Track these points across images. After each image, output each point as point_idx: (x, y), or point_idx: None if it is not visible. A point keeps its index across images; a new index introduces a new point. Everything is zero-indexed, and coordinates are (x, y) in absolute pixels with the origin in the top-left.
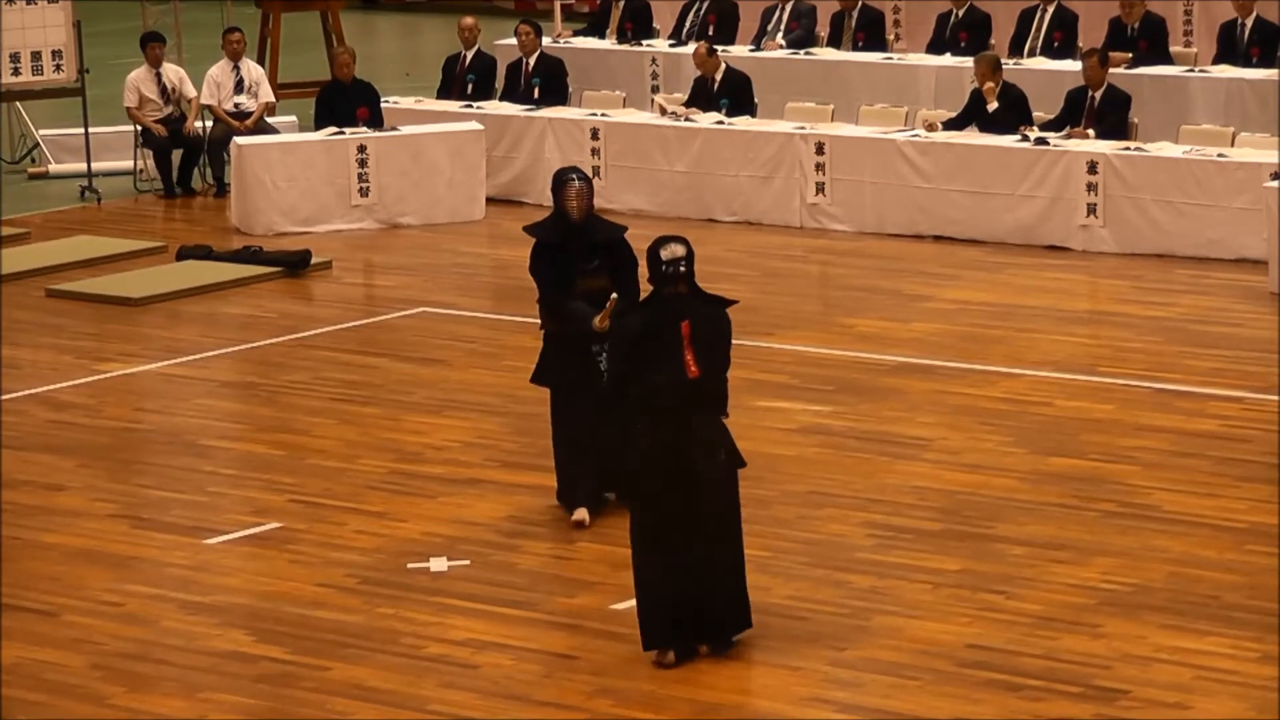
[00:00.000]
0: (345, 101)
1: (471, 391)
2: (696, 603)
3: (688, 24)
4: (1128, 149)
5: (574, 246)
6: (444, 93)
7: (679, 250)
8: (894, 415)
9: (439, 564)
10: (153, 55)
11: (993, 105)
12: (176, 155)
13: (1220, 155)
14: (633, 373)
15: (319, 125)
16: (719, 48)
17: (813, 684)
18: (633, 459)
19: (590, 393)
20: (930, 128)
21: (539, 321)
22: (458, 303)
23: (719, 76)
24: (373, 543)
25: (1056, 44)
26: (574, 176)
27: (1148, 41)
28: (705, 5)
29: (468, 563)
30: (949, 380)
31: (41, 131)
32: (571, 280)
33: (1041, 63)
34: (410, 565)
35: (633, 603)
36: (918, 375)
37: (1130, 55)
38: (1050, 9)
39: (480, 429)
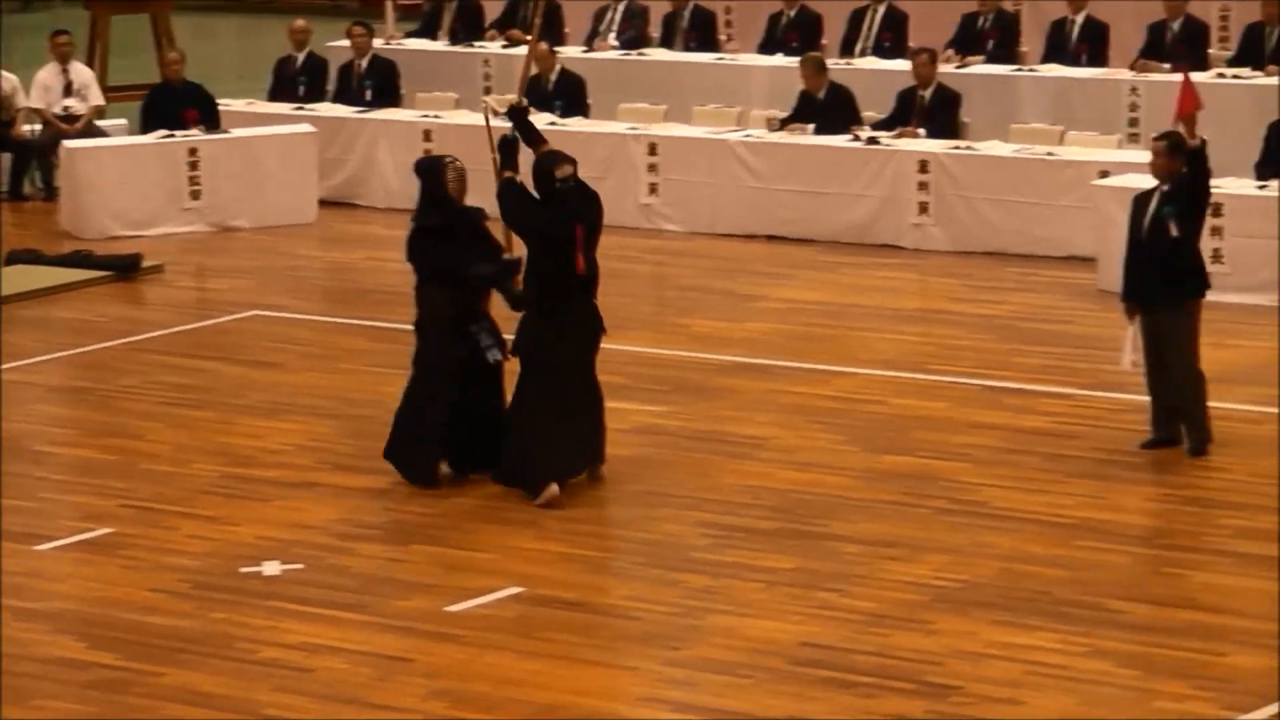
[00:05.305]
0: (175, 103)
1: (305, 394)
2: (583, 447)
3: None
4: (958, 148)
5: (460, 229)
6: (275, 95)
7: (569, 169)
8: (728, 415)
9: (272, 568)
10: None
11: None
12: (6, 159)
13: (1049, 154)
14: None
15: (146, 127)
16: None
17: (648, 684)
18: (529, 338)
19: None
20: (772, 126)
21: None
22: (290, 305)
23: (553, 77)
24: (206, 547)
25: (887, 44)
26: (450, 159)
27: (999, 35)
28: (532, 4)
29: (302, 566)
30: (783, 379)
31: None
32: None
33: (872, 62)
34: (243, 569)
35: (469, 604)
36: (752, 375)
37: (982, 57)
38: (880, 9)
39: (314, 432)
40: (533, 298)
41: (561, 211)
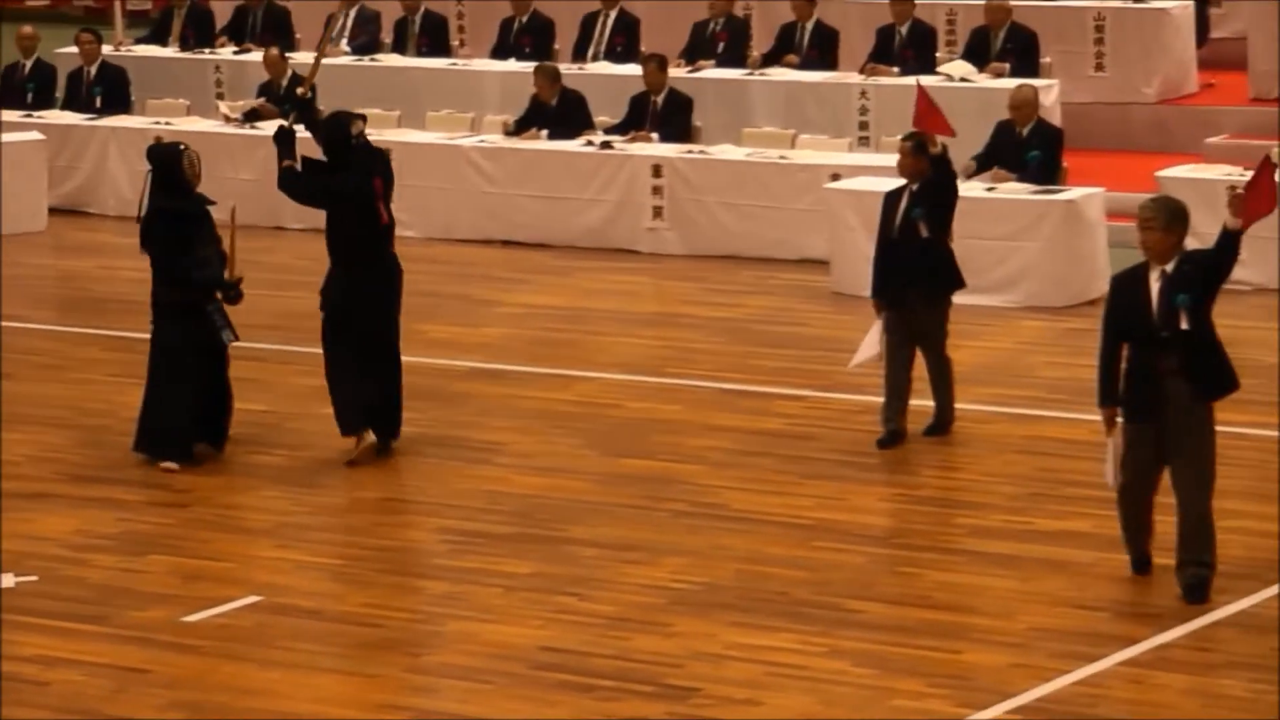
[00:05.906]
0: None
1: (37, 405)
2: (379, 401)
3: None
4: (691, 152)
5: (194, 214)
6: (2, 102)
7: (361, 124)
8: (466, 420)
9: (6, 580)
10: None
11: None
12: None
13: (782, 157)
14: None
15: None
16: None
17: (388, 691)
18: (336, 293)
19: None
20: (506, 129)
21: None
22: (22, 315)
23: (284, 83)
24: None
25: (619, 49)
26: (185, 146)
27: (727, 36)
28: (261, 11)
29: (35, 578)
30: (520, 384)
31: None
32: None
33: (604, 67)
34: None
35: (208, 613)
36: (489, 380)
37: (713, 61)
38: (612, 14)
39: (47, 442)
40: (338, 257)
41: (358, 168)
